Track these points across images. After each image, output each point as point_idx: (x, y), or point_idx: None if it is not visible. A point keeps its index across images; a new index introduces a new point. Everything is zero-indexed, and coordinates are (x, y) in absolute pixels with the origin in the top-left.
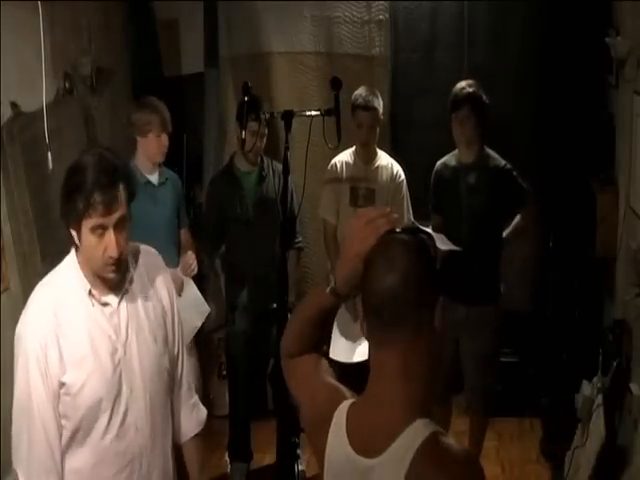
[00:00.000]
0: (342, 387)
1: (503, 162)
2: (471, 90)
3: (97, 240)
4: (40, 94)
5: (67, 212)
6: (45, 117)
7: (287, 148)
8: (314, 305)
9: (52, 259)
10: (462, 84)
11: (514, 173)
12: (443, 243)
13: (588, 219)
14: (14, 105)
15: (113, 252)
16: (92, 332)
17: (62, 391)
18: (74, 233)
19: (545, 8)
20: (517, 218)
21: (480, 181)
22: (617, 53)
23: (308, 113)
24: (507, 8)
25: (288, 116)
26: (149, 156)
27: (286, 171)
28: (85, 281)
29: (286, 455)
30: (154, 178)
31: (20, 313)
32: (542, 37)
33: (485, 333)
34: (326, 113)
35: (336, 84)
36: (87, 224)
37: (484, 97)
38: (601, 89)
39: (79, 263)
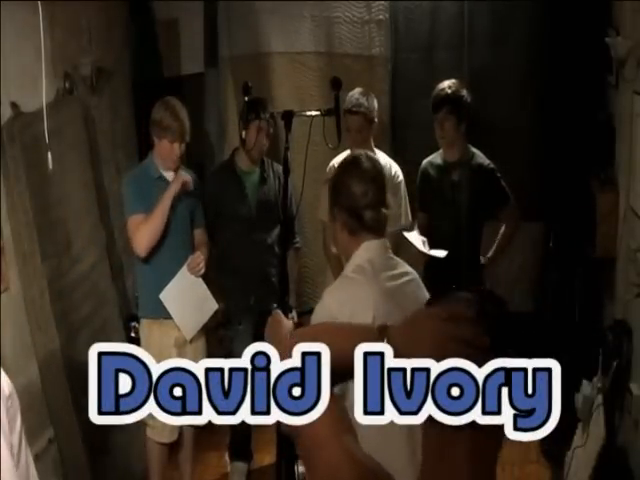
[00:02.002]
0: None
1: (487, 161)
2: (450, 91)
3: None
4: (40, 94)
5: None
6: (45, 117)
7: (287, 148)
8: None
9: (52, 259)
10: (443, 84)
11: (497, 174)
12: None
13: (588, 219)
14: (14, 105)
15: None
16: None
17: None
18: None
19: (545, 8)
20: (502, 228)
21: (464, 178)
22: (617, 53)
23: (308, 113)
24: (507, 8)
25: (288, 116)
26: (161, 159)
27: (286, 171)
28: None
29: (286, 455)
30: (168, 175)
31: (20, 313)
32: (542, 37)
33: None
34: (326, 113)
35: (336, 84)
36: None
37: (465, 97)
38: (601, 89)
39: None
